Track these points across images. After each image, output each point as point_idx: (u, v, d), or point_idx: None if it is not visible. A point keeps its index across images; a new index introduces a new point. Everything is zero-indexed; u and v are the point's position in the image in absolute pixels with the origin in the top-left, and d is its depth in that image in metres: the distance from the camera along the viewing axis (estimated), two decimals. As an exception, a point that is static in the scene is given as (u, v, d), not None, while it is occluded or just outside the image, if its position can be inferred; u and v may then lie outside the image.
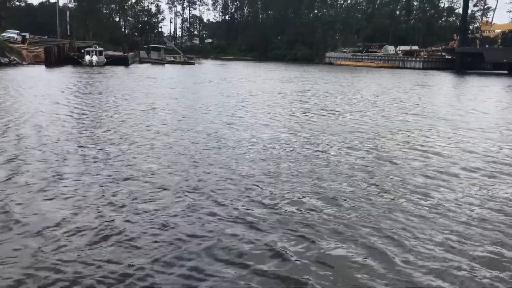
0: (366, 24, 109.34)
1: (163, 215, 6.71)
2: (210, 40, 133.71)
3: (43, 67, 42.77)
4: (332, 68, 72.75)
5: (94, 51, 48.58)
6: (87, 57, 46.86)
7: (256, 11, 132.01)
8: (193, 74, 42.93)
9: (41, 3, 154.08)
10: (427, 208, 7.43)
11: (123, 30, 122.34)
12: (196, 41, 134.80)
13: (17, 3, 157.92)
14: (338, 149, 11.81)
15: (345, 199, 7.75)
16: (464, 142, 13.34)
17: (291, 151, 11.34)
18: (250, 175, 8.98)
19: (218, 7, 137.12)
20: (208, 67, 61.72)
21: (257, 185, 8.34)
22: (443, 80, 49.29)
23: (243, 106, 19.93)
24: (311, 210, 7.18)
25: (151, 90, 26.01)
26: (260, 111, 18.66)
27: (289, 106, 20.62)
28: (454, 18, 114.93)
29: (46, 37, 70.72)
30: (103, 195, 7.47)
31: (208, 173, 9.06)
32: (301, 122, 16.23)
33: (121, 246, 5.66)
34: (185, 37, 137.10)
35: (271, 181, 8.66)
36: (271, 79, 41.29)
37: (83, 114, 16.00)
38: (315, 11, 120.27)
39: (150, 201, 7.28)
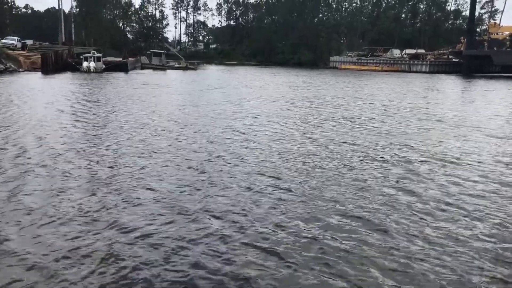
0: (371, 27, 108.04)
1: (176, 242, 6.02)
2: (214, 46, 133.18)
3: (39, 74, 42.00)
4: (337, 73, 71.48)
5: (92, 57, 47.75)
6: (85, 64, 46.03)
7: (260, 15, 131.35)
8: (196, 81, 41.50)
9: (47, 10, 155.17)
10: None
11: (127, 36, 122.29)
12: (201, 46, 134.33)
13: (23, 10, 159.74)
14: (365, 162, 10.65)
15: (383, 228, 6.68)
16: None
17: (314, 165, 10.30)
18: (273, 197, 7.96)
19: (223, 12, 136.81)
20: (211, 73, 60.70)
21: (282, 206, 7.52)
22: (453, 84, 47.93)
23: (256, 117, 18.22)
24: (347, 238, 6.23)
25: (149, 99, 24.33)
26: (273, 122, 16.95)
27: (302, 114, 19.27)
28: (461, 21, 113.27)
29: (47, 43, 70.31)
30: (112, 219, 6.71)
31: (224, 194, 8.07)
32: (318, 131, 15.03)
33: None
34: (190, 43, 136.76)
35: (297, 199, 7.82)
36: (277, 84, 40.24)
37: (71, 130, 14.48)
38: (320, 15, 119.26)
39: (163, 225, 6.58)
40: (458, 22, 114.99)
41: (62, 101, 21.79)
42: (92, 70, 45.61)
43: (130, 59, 57.17)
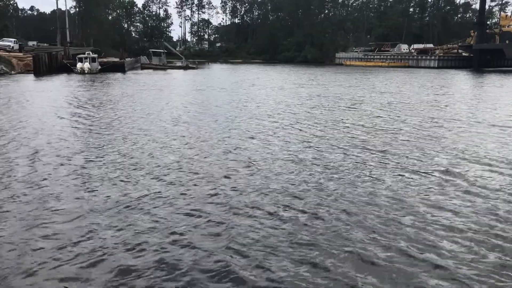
0: (378, 22, 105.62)
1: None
2: (219, 44, 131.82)
3: (31, 76, 40.73)
4: (344, 69, 69.40)
5: (87, 58, 46.41)
6: (79, 65, 44.66)
7: (265, 12, 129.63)
8: (198, 82, 39.47)
9: (52, 11, 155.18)
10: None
11: (132, 35, 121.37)
12: (206, 45, 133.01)
13: (29, 12, 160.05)
14: (403, 176, 9.06)
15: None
16: None
17: (345, 179, 8.84)
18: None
19: (227, 10, 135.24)
20: (215, 72, 58.95)
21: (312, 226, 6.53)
22: (466, 80, 45.82)
23: (272, 122, 16.19)
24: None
25: (145, 105, 22.64)
26: (291, 126, 15.19)
27: (322, 118, 17.22)
28: (470, 14, 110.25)
29: (46, 44, 69.44)
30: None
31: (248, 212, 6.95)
32: (345, 137, 13.34)
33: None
34: (194, 42, 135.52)
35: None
36: (284, 82, 38.58)
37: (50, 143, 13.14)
38: (326, 11, 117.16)
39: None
40: (467, 15, 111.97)
41: (45, 106, 20.35)
42: (86, 71, 44.23)
43: (127, 59, 55.80)
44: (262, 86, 33.87)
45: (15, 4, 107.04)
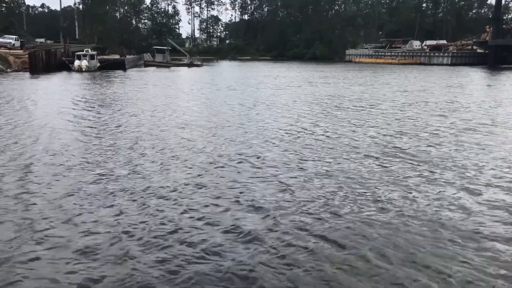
0: (389, 18, 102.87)
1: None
2: (228, 41, 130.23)
3: (27, 74, 39.58)
4: (353, 66, 67.26)
5: (85, 56, 45.14)
6: (76, 62, 43.39)
7: (274, 9, 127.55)
8: (204, 81, 37.76)
9: (63, 9, 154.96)
10: None
11: (141, 32, 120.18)
12: (215, 42, 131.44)
13: (40, 9, 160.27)
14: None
15: None
16: None
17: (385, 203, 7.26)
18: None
19: (237, 6, 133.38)
20: (222, 70, 57.39)
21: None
22: (483, 78, 43.61)
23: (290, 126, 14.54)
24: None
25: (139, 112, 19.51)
26: (319, 133, 13.50)
27: (350, 125, 15.06)
28: (486, 10, 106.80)
29: (50, 41, 68.62)
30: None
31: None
32: (384, 146, 11.67)
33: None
34: (203, 38, 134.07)
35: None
36: (297, 80, 37.15)
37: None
38: (336, 7, 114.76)
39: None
40: (483, 11, 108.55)
41: (30, 106, 18.94)
42: (84, 69, 42.97)
43: (129, 56, 54.44)
44: (275, 86, 32.15)
45: (23, 1, 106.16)
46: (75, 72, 42.64)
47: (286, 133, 13.33)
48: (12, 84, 30.28)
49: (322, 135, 13.07)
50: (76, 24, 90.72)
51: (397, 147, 11.44)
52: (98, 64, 46.37)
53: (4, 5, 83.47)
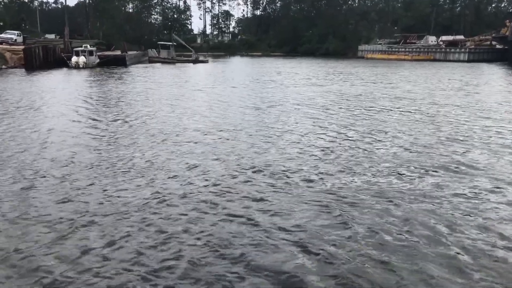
0: (404, 13, 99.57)
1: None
2: (239, 37, 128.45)
3: (22, 71, 38.46)
4: (365, 63, 64.75)
5: (84, 51, 43.86)
6: (74, 59, 42.13)
7: (287, 4, 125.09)
8: (199, 82, 36.07)
9: (76, 4, 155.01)
10: None
11: (150, 28, 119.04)
12: (226, 37, 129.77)
13: (53, 5, 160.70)
14: None
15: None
16: None
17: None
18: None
19: (249, 1, 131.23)
20: (229, 66, 55.63)
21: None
22: (507, 75, 41.20)
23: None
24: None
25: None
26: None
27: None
28: (506, 4, 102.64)
29: (54, 37, 67.80)
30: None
31: None
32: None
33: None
34: (215, 34, 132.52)
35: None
36: (312, 77, 35.69)
37: None
38: (349, 2, 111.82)
39: None
40: (503, 5, 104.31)
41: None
42: (81, 66, 41.68)
43: (130, 52, 53.07)
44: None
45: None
46: (72, 68, 41.41)
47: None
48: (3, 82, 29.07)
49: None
50: (89, 19, 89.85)
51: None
52: (98, 61, 45.12)
53: (17, 1, 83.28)
